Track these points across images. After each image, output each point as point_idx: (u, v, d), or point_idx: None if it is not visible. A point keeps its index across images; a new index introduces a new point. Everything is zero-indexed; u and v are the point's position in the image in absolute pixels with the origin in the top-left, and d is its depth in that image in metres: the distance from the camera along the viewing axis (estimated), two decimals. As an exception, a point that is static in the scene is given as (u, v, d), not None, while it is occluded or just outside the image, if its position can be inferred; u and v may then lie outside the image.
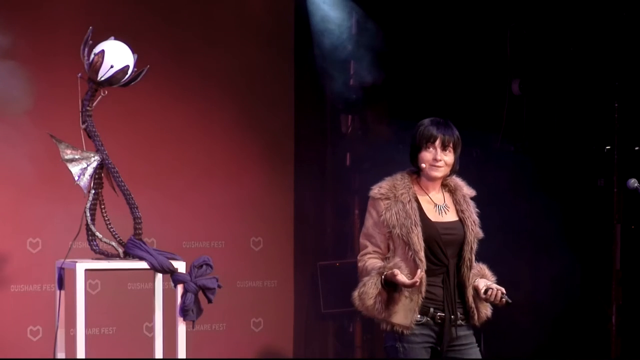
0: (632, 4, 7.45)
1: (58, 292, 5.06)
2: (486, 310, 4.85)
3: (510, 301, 4.73)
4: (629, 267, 7.65)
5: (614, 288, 7.66)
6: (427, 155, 4.80)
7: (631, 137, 7.65)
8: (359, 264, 4.84)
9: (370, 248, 4.82)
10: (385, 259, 4.78)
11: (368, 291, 4.71)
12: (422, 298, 4.71)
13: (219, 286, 5.11)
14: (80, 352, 4.93)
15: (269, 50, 7.85)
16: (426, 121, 4.86)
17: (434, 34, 8.02)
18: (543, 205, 7.51)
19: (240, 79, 7.75)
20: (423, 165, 4.80)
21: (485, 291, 4.74)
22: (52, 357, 5.14)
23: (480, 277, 4.83)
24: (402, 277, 4.64)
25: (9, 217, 7.06)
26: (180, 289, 5.05)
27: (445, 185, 4.91)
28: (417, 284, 4.63)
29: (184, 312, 5.02)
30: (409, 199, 4.77)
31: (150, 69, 5.17)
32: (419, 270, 4.63)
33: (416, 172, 4.88)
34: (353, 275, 8.04)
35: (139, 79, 5.15)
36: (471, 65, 7.99)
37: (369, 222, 4.84)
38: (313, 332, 8.25)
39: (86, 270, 4.94)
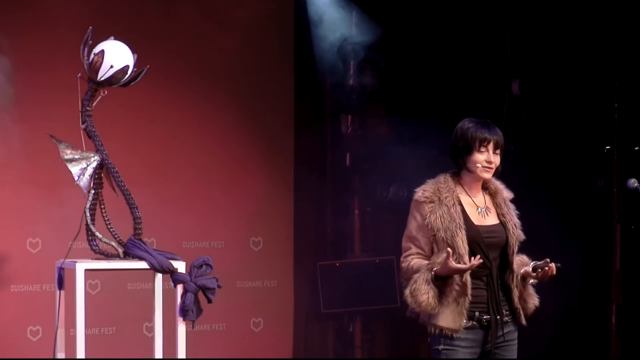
0: (632, 4, 7.45)
1: (58, 292, 5.06)
2: (534, 301, 4.94)
3: (559, 265, 4.83)
4: (629, 267, 7.66)
5: (614, 288, 7.67)
6: (480, 157, 4.82)
7: (631, 137, 7.66)
8: (402, 265, 4.86)
9: (414, 250, 4.84)
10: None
11: (420, 287, 4.72)
12: (469, 301, 4.75)
13: (218, 286, 5.11)
14: (80, 352, 4.93)
15: (269, 50, 7.85)
16: (470, 123, 4.88)
17: (434, 34, 8.02)
18: (543, 206, 7.51)
19: (240, 79, 7.75)
20: (478, 166, 4.82)
21: (534, 270, 4.82)
22: (52, 357, 5.14)
23: (523, 266, 4.90)
24: (455, 264, 4.65)
25: (9, 217, 7.06)
26: (180, 289, 5.05)
27: (485, 188, 4.95)
28: (474, 266, 4.65)
29: (184, 312, 5.02)
30: (453, 202, 4.80)
31: (150, 69, 5.17)
32: (477, 257, 4.66)
33: (458, 174, 4.91)
34: (353, 275, 8.12)
35: (138, 79, 5.15)
36: (471, 65, 8.00)
37: (412, 225, 4.85)
38: (313, 332, 8.25)
39: (86, 270, 4.94)
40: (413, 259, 4.82)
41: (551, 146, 7.98)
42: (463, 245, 4.73)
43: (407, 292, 4.77)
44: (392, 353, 8.39)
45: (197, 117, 7.60)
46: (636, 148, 7.63)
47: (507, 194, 4.99)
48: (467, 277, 4.73)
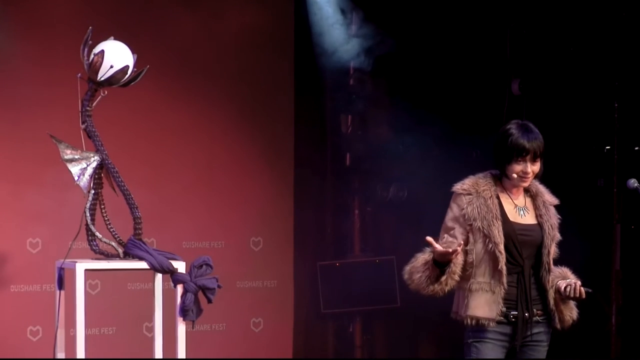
0: (632, 4, 7.45)
1: (58, 292, 5.07)
2: (571, 314, 4.95)
3: (590, 290, 4.86)
4: (629, 267, 7.65)
5: (613, 288, 7.66)
6: (517, 167, 4.83)
7: (631, 137, 7.65)
8: None
9: (446, 239, 4.89)
10: (464, 252, 4.84)
11: (417, 265, 4.81)
12: (504, 291, 4.78)
13: (218, 286, 5.12)
14: (80, 352, 4.93)
15: (269, 50, 7.85)
16: (513, 130, 4.85)
17: (434, 34, 8.02)
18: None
19: (240, 79, 7.75)
20: (514, 175, 4.84)
21: (565, 288, 4.82)
22: (52, 357, 5.14)
23: (562, 279, 4.90)
24: (439, 247, 4.72)
25: (9, 217, 7.06)
26: (180, 289, 5.06)
27: (527, 191, 4.97)
28: (450, 256, 4.69)
29: (184, 312, 5.03)
30: (490, 195, 4.85)
31: (150, 69, 5.18)
32: (454, 245, 4.71)
33: (499, 175, 4.94)
34: (353, 275, 8.12)
35: (138, 79, 5.16)
36: (471, 65, 7.99)
37: (448, 217, 4.91)
38: (313, 332, 8.25)
39: (86, 270, 4.95)
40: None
41: (551, 146, 7.96)
42: (499, 235, 4.78)
43: (406, 267, 4.87)
44: (392, 353, 8.39)
45: (197, 117, 7.60)
46: (636, 148, 7.62)
47: (549, 197, 5.00)
48: (503, 265, 4.76)
